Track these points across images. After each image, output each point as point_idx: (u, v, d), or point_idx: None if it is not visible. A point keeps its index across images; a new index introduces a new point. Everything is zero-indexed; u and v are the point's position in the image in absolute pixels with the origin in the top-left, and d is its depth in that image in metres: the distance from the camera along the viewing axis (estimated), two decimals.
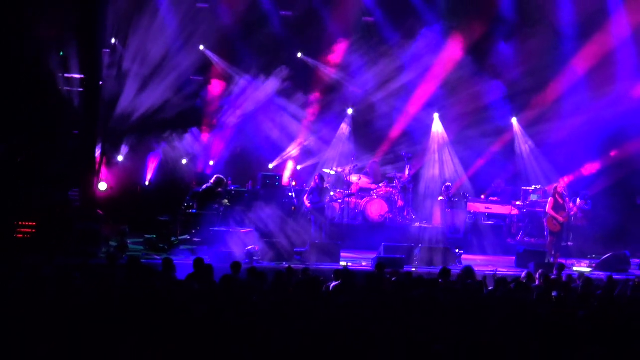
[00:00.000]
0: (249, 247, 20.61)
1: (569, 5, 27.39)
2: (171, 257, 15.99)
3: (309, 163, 28.19)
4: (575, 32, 27.43)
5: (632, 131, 27.02)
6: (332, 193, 25.29)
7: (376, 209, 25.72)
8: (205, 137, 27.79)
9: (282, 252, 20.96)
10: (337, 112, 28.33)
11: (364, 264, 21.30)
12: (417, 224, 24.97)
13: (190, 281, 14.04)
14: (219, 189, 22.93)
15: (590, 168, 27.50)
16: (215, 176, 23.22)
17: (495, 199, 26.95)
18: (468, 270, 16.41)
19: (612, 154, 27.53)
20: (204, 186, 23.02)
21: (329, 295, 14.19)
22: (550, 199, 23.02)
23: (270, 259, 20.62)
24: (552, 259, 21.96)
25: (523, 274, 16.62)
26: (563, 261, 21.39)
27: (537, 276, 16.60)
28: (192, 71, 27.51)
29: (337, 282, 15.04)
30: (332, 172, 26.59)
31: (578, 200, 24.92)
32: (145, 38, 25.92)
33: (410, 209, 26.36)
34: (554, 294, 15.14)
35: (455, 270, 17.88)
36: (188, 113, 27.47)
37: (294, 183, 26.44)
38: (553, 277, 16.73)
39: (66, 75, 24.40)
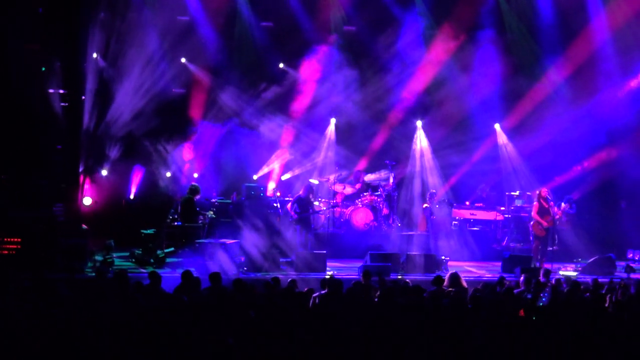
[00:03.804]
0: (235, 259, 20.56)
1: (549, 10, 27.59)
2: (158, 271, 15.97)
3: (293, 173, 28.15)
4: (556, 37, 27.58)
5: (615, 135, 27.19)
6: (316, 203, 25.27)
7: (361, 217, 25.74)
8: (189, 149, 27.70)
9: (269, 262, 20.86)
10: (320, 121, 28.32)
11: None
12: (404, 232, 24.99)
13: (179, 294, 14.04)
14: (196, 197, 22.87)
15: (574, 172, 27.54)
16: (190, 185, 23.24)
17: (480, 205, 26.95)
18: (454, 277, 16.53)
19: (593, 159, 27.61)
20: (180, 197, 23.12)
21: (315, 305, 14.21)
22: (535, 204, 23.09)
23: (256, 270, 20.53)
24: (537, 264, 22.04)
25: (497, 279, 16.97)
26: (549, 265, 21.51)
27: (522, 281, 16.75)
28: (174, 84, 27.51)
29: (324, 292, 15.06)
30: (317, 182, 26.58)
31: (563, 204, 24.89)
32: (127, 51, 25.97)
33: (396, 217, 26.38)
34: (528, 296, 15.37)
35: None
36: (171, 126, 27.40)
37: (278, 194, 26.43)
38: (543, 281, 16.87)
39: (49, 90, 24.30)
